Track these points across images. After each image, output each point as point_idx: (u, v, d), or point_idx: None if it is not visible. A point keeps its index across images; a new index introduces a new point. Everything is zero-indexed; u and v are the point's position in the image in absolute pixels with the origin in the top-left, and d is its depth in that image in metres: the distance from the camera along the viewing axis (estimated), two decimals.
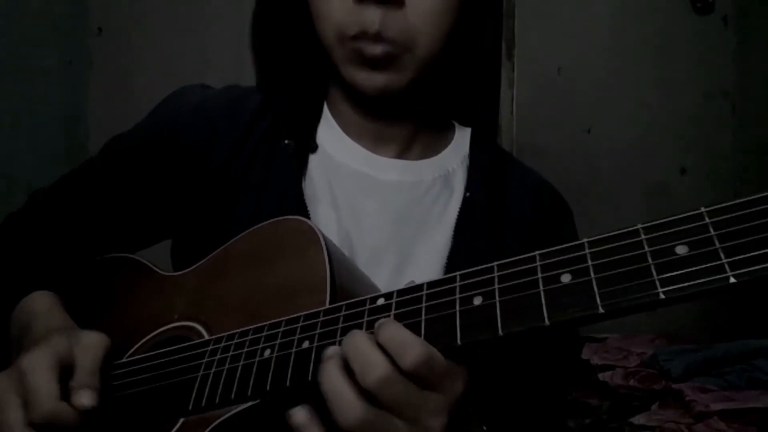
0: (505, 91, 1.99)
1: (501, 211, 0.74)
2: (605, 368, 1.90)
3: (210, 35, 2.33)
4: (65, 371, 0.56)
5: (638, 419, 1.62)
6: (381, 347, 0.46)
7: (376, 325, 0.48)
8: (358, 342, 0.47)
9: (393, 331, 0.46)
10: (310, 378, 0.50)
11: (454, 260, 0.70)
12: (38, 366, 0.54)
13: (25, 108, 2.05)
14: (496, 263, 0.48)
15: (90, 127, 2.27)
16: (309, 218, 0.68)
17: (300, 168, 0.72)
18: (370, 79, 0.67)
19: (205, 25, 2.35)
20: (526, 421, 0.71)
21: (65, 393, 0.55)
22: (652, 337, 2.08)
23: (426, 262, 0.71)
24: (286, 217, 0.64)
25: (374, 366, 0.45)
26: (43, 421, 0.53)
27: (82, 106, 2.31)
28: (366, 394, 0.45)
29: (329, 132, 0.75)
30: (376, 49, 0.65)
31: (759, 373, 1.70)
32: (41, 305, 0.66)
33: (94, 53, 2.36)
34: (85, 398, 0.54)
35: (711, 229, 0.40)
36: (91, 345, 0.58)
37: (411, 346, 0.45)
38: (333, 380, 0.46)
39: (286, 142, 0.72)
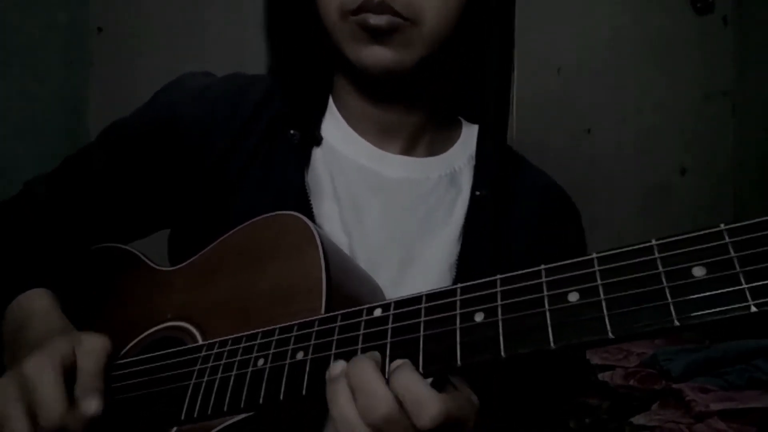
0: None
1: (509, 211, 0.73)
2: (605, 368, 1.89)
3: (210, 35, 2.33)
4: (68, 375, 0.55)
5: (638, 419, 1.61)
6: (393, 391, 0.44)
7: (393, 366, 0.45)
8: (365, 374, 0.45)
9: (409, 383, 0.44)
10: (304, 392, 0.49)
11: (464, 261, 0.69)
12: (44, 373, 0.53)
13: (25, 108, 2.05)
14: (499, 277, 0.46)
15: (90, 127, 2.27)
16: (311, 213, 0.67)
17: (303, 160, 0.70)
18: (376, 55, 0.65)
19: (205, 25, 2.35)
20: (528, 422, 0.71)
21: (70, 399, 0.53)
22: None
23: (432, 262, 0.70)
24: (281, 212, 0.63)
25: (379, 403, 0.44)
26: (53, 431, 0.52)
27: (83, 105, 2.31)
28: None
29: (334, 125, 0.74)
30: (381, 20, 0.63)
31: (759, 373, 1.70)
32: (39, 305, 0.65)
33: (94, 53, 2.36)
34: (92, 405, 0.53)
35: (731, 250, 0.38)
36: (93, 348, 0.57)
37: (429, 404, 0.43)
38: (344, 409, 0.45)
39: (292, 132, 0.71)
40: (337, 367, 0.47)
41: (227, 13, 2.32)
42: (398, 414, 0.43)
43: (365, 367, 0.45)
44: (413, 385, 0.44)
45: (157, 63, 2.24)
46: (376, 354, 0.47)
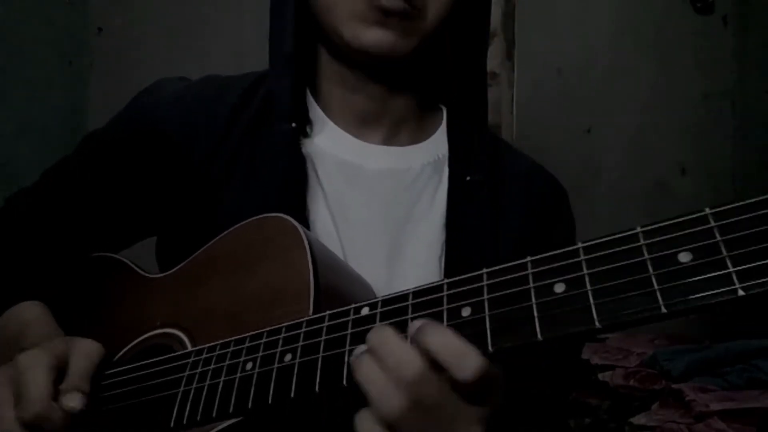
0: (505, 91, 1.98)
1: (494, 195, 0.72)
2: (605, 368, 1.89)
3: (210, 35, 2.33)
4: (60, 373, 0.56)
5: (638, 419, 1.61)
6: (422, 351, 0.43)
7: (415, 327, 0.44)
8: (383, 337, 0.45)
9: (444, 338, 0.43)
10: (293, 395, 0.49)
11: (451, 249, 0.69)
12: (35, 365, 0.54)
13: (25, 108, 2.05)
14: (485, 270, 0.46)
15: (90, 127, 2.26)
16: (305, 208, 0.67)
17: (293, 155, 0.69)
18: (377, 37, 0.65)
19: (205, 25, 2.35)
20: (527, 421, 0.70)
21: (58, 394, 0.55)
22: (652, 337, 2.08)
23: (418, 253, 0.70)
24: (268, 215, 0.62)
25: (407, 363, 0.43)
26: (31, 421, 0.53)
27: (83, 106, 2.31)
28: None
29: (313, 118, 0.73)
30: (395, 4, 0.63)
31: (759, 373, 1.70)
32: (33, 315, 0.66)
33: (94, 53, 2.36)
34: (73, 401, 0.54)
35: (717, 234, 0.37)
36: (86, 351, 0.58)
37: (472, 355, 0.42)
38: (370, 373, 0.44)
39: (294, 125, 0.70)
40: (360, 348, 0.46)
41: (227, 12, 2.32)
42: (428, 372, 0.43)
43: (381, 332, 0.45)
44: (450, 339, 0.43)
45: (157, 63, 2.24)
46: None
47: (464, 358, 0.42)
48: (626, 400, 1.73)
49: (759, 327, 1.82)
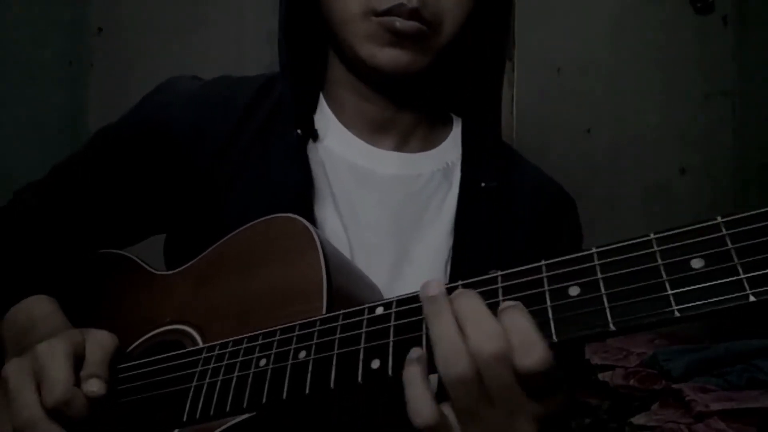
0: (505, 91, 1.99)
1: (503, 204, 0.73)
2: (605, 368, 1.89)
3: (210, 35, 2.33)
4: (78, 362, 0.57)
5: (638, 419, 1.62)
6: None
7: (504, 305, 0.43)
8: (476, 305, 0.43)
9: (522, 321, 0.42)
10: (307, 391, 0.49)
11: (457, 256, 0.69)
12: (55, 352, 0.55)
13: (25, 108, 2.05)
14: (500, 273, 0.46)
15: (90, 127, 2.27)
16: (312, 210, 0.68)
17: (303, 158, 0.70)
18: (392, 57, 0.65)
19: (206, 25, 2.35)
20: None
21: (77, 383, 0.56)
22: (652, 337, 2.08)
23: (425, 258, 0.70)
24: (280, 215, 0.63)
25: (491, 337, 0.42)
26: (56, 405, 0.53)
27: (82, 106, 2.31)
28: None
29: (325, 122, 0.74)
30: (408, 26, 0.63)
31: (759, 373, 1.70)
32: (43, 310, 0.66)
33: (94, 53, 2.36)
34: (94, 386, 0.55)
35: (728, 242, 0.38)
36: (102, 340, 0.59)
37: (540, 345, 0.41)
38: (449, 332, 0.43)
39: (299, 132, 0.70)
40: (435, 287, 0.45)
41: (227, 13, 2.32)
42: (507, 352, 0.41)
43: (474, 299, 0.44)
44: (525, 324, 0.42)
45: (157, 63, 2.24)
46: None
47: (534, 345, 0.41)
48: (626, 400, 1.73)
49: (759, 327, 1.82)
